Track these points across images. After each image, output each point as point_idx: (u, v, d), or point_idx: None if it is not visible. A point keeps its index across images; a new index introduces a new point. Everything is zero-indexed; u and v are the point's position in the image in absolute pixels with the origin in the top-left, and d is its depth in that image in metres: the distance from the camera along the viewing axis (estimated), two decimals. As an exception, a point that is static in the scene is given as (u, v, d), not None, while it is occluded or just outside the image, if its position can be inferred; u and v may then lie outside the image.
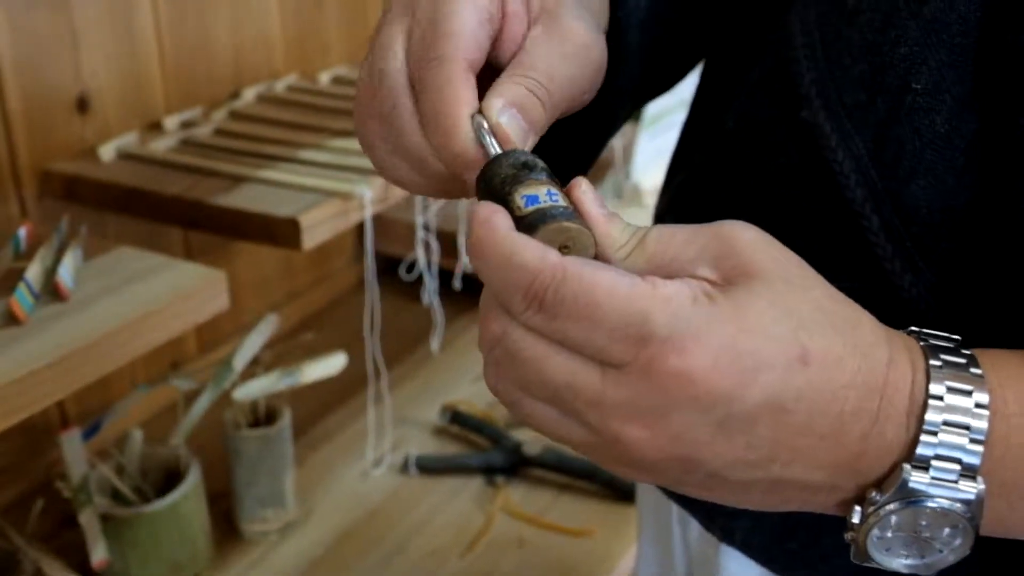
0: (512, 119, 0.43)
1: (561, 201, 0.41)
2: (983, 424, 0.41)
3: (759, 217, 0.53)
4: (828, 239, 0.51)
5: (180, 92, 1.32)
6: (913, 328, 0.44)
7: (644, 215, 1.98)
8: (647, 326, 0.37)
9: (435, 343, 1.38)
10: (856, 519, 0.42)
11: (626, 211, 1.93)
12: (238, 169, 1.14)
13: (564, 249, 0.40)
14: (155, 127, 1.26)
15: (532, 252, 0.38)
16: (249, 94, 1.37)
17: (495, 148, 0.43)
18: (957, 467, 0.41)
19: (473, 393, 1.44)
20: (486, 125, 0.43)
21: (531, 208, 0.40)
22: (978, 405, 0.41)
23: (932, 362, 0.42)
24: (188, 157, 1.18)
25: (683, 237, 0.41)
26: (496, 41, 0.46)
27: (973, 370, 0.41)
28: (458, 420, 1.37)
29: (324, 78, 1.45)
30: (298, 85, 1.42)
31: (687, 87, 0.71)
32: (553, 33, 0.46)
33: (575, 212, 0.41)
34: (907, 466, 0.41)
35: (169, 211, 1.10)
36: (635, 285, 0.38)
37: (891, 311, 0.48)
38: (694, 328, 0.38)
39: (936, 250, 0.48)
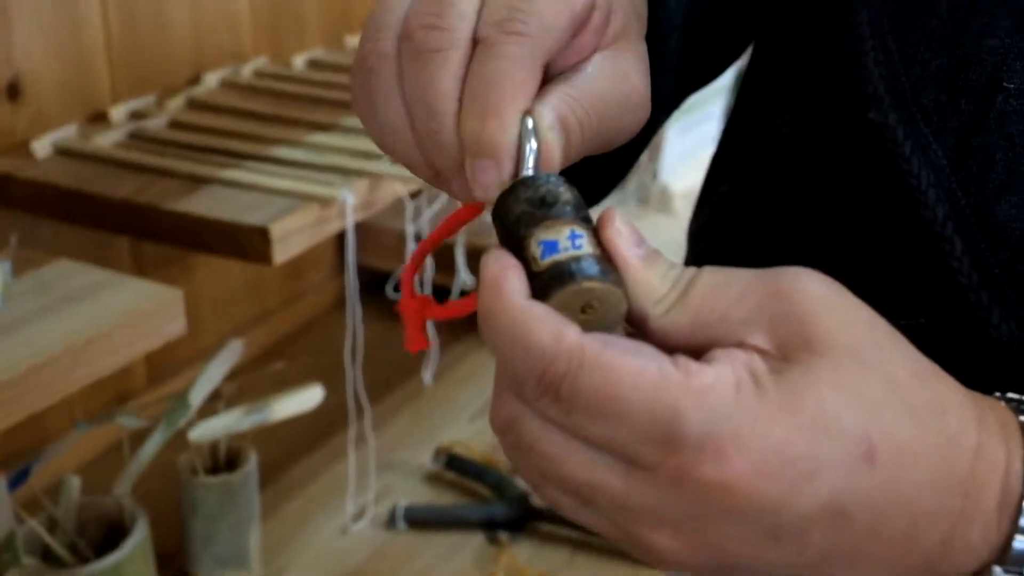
0: (559, 135, 0.44)
1: (586, 246, 0.40)
2: None
3: (817, 239, 0.52)
4: (901, 265, 0.50)
5: (129, 77, 1.31)
6: (1012, 395, 0.43)
7: (674, 225, 1.97)
8: (678, 427, 0.37)
9: (428, 374, 1.38)
10: None
11: (652, 219, 1.92)
12: (197, 168, 1.13)
13: (588, 310, 0.40)
14: (99, 118, 1.26)
15: (546, 332, 0.38)
16: (211, 79, 1.37)
17: (528, 163, 0.43)
18: None
19: (472, 433, 1.43)
20: (533, 131, 0.43)
21: (548, 261, 0.40)
22: None
23: None
24: (138, 154, 1.17)
25: (736, 291, 0.40)
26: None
27: None
28: (454, 465, 1.37)
29: (299, 62, 1.45)
30: (268, 70, 1.42)
31: (727, 73, 0.71)
32: (616, 67, 0.47)
33: (603, 259, 0.40)
34: (998, 569, 0.40)
35: (116, 218, 1.09)
36: (664, 375, 0.38)
37: (977, 353, 0.47)
38: (734, 428, 0.37)
39: None
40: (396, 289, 1.45)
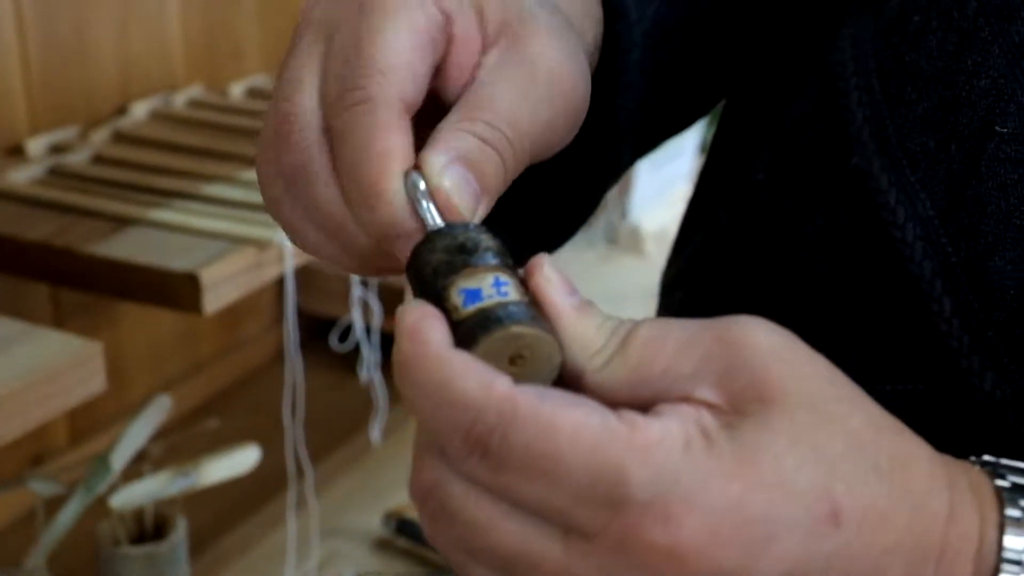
0: (459, 181, 0.42)
1: (512, 294, 0.40)
2: None
3: (796, 294, 0.52)
4: (886, 325, 0.50)
5: (49, 106, 1.31)
6: (987, 458, 0.43)
7: (644, 266, 1.98)
8: (622, 486, 0.36)
9: (375, 431, 1.38)
10: None
11: (621, 260, 1.93)
12: (123, 208, 1.13)
13: (519, 360, 0.39)
14: (15, 152, 1.26)
15: (472, 381, 0.37)
16: (140, 110, 1.36)
17: (434, 219, 0.42)
18: None
19: (425, 496, 1.43)
20: (423, 187, 0.42)
21: (471, 309, 0.39)
22: None
23: (1009, 512, 0.40)
24: (58, 192, 1.17)
25: (678, 342, 0.39)
26: (440, 70, 0.46)
27: None
28: (406, 530, 1.36)
29: (236, 90, 1.45)
30: (203, 99, 1.42)
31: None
32: (517, 59, 0.45)
33: (532, 307, 0.40)
34: None
35: (32, 262, 1.09)
36: (607, 429, 0.37)
37: (967, 422, 0.47)
38: (684, 488, 0.37)
39: None
40: (340, 339, 1.44)
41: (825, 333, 0.47)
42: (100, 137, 1.30)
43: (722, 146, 0.65)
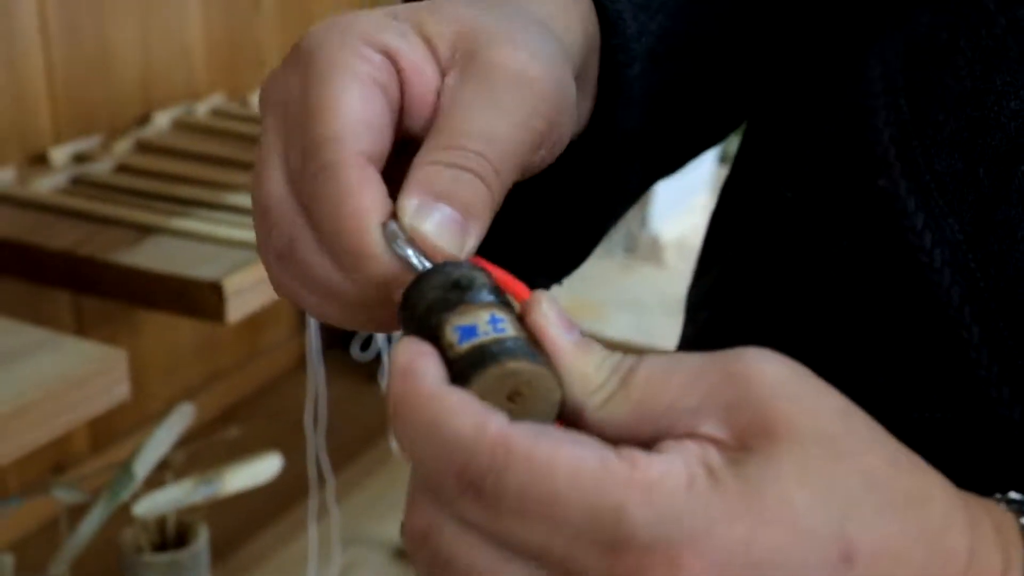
0: (438, 220, 0.41)
1: (509, 329, 0.39)
2: None
3: (824, 316, 0.51)
4: (913, 351, 0.49)
5: (72, 115, 1.31)
6: (1013, 495, 0.41)
7: (664, 276, 1.98)
8: (625, 527, 0.35)
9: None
10: None
11: (641, 270, 1.92)
12: (146, 217, 1.13)
13: (517, 398, 0.38)
14: (39, 161, 1.26)
15: (466, 420, 0.36)
16: (162, 120, 1.37)
17: (422, 263, 0.41)
18: None
19: (445, 505, 1.43)
20: (403, 236, 0.41)
21: (466, 346, 0.38)
22: None
23: None
24: (81, 200, 1.17)
25: (682, 377, 0.38)
26: (403, 108, 0.44)
27: None
28: (426, 540, 1.37)
29: (258, 99, 1.45)
30: (225, 108, 1.42)
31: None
32: (478, 71, 0.44)
33: (531, 343, 0.39)
34: None
35: (55, 271, 1.09)
36: (607, 468, 0.36)
37: (996, 452, 0.46)
38: (689, 527, 0.35)
39: None
40: (362, 348, 1.44)
41: (852, 357, 0.46)
42: (123, 146, 1.30)
43: (748, 161, 0.64)
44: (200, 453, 1.21)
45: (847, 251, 0.51)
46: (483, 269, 0.41)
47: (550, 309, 0.40)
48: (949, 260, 0.47)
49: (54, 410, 0.87)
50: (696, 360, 0.39)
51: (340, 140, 0.42)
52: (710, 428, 0.37)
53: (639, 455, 0.36)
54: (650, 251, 1.95)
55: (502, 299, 0.40)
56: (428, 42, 0.45)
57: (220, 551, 1.30)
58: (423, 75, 0.44)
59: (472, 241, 0.42)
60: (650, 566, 0.35)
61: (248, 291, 1.05)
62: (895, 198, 0.49)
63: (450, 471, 0.36)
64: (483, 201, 0.42)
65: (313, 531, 1.28)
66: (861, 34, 0.55)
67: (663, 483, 0.36)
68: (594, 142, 0.49)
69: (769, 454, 0.37)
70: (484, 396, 0.37)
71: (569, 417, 0.39)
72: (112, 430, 1.42)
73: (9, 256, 1.11)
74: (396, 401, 0.37)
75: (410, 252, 0.41)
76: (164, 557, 1.14)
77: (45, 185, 1.20)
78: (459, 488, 0.36)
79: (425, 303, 0.40)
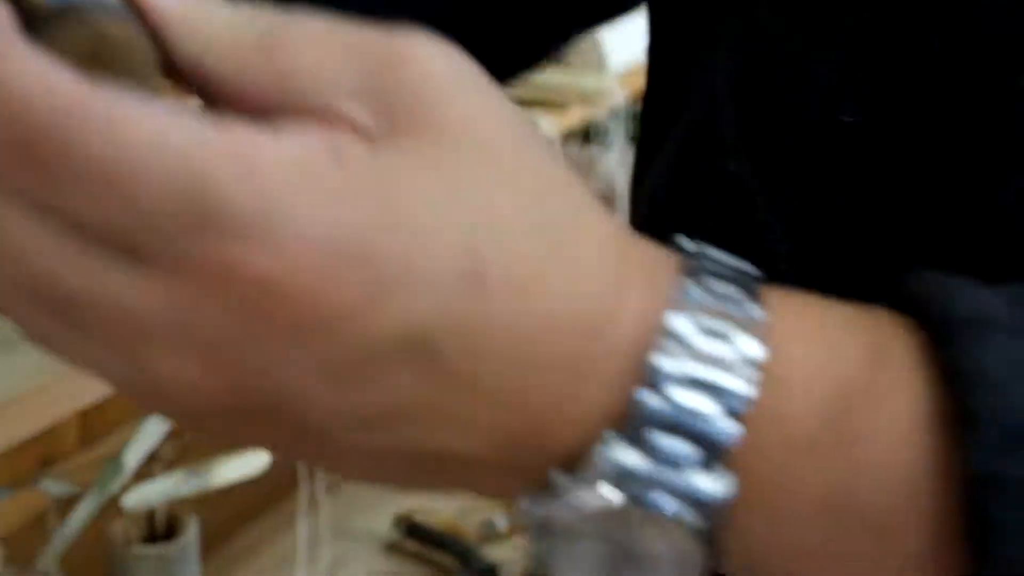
0: None
1: None
2: (745, 388, 0.34)
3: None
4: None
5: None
6: (685, 243, 0.38)
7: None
8: (213, 202, 0.30)
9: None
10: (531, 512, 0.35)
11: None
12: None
13: (109, 62, 0.33)
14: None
15: (28, 76, 0.30)
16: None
17: None
18: (693, 448, 0.34)
19: (435, 498, 1.42)
20: None
21: (54, 3, 0.33)
22: (745, 360, 0.34)
23: (688, 287, 0.35)
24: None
25: (332, 45, 0.33)
26: None
27: (750, 309, 0.35)
28: (416, 533, 1.37)
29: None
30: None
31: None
32: None
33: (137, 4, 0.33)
34: (611, 433, 0.34)
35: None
36: (198, 133, 0.31)
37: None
38: (295, 208, 0.31)
39: None
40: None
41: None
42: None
43: (644, 132, 0.62)
44: (190, 446, 1.21)
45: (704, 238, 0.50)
46: None
47: None
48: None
49: (42, 403, 0.88)
50: (360, 35, 0.34)
51: None
52: (352, 108, 0.33)
53: (245, 128, 0.31)
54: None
55: None
56: None
57: (210, 543, 1.30)
58: None
59: None
60: (242, 251, 0.30)
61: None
62: (740, 178, 0.48)
63: (3, 135, 0.30)
64: None
65: (303, 524, 1.28)
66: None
67: (267, 156, 0.31)
68: None
69: (410, 147, 0.32)
70: (64, 57, 0.32)
71: (180, 79, 0.34)
72: (101, 424, 1.42)
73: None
74: None
75: None
76: (153, 549, 1.15)
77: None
78: (15, 157, 0.31)
79: None
